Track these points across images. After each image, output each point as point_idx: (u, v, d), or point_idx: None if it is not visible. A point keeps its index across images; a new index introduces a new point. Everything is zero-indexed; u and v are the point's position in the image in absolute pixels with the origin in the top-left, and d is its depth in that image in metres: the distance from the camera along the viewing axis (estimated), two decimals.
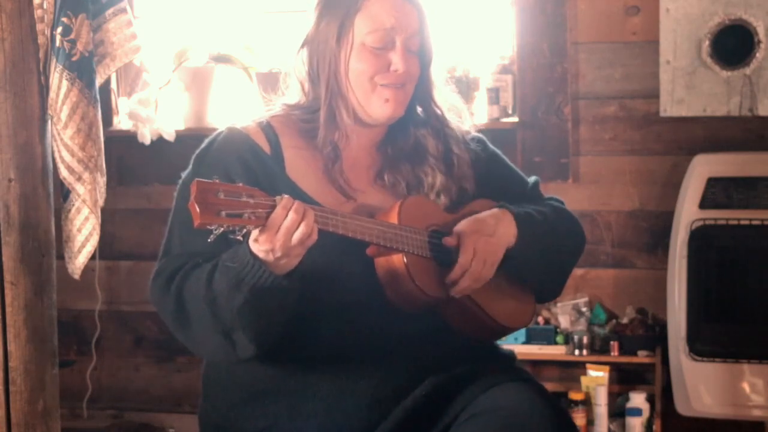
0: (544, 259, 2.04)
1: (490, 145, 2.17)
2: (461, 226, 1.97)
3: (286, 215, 1.71)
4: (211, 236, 1.66)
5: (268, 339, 1.83)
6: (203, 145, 1.99)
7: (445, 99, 2.09)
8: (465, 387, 1.91)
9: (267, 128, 1.99)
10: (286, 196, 1.73)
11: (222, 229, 1.64)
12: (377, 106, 1.97)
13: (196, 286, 1.83)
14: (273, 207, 1.70)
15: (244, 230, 1.68)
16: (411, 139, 2.05)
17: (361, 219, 1.85)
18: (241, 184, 1.68)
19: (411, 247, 1.88)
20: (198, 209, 1.61)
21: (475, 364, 1.98)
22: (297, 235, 1.72)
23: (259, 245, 1.73)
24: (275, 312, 1.80)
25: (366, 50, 1.95)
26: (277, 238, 1.71)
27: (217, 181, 1.66)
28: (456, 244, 1.94)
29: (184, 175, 1.98)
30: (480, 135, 2.16)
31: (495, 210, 2.01)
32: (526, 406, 1.84)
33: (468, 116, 2.14)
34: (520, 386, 1.90)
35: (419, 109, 2.08)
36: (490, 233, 1.96)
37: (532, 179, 2.20)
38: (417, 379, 1.92)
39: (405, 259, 1.87)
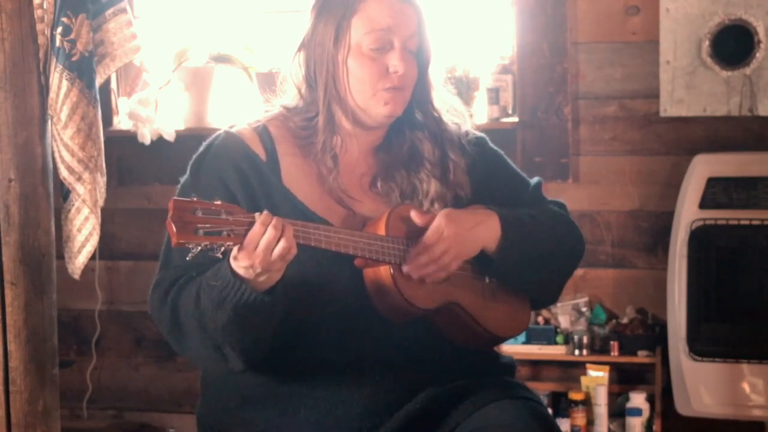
0: (534, 265, 1.99)
1: (491, 145, 2.13)
2: (439, 212, 1.92)
3: (264, 231, 1.69)
4: (190, 255, 1.65)
5: (257, 354, 1.82)
6: (200, 151, 1.97)
7: (444, 101, 2.06)
8: (460, 402, 1.90)
9: (263, 133, 1.97)
10: (265, 212, 1.71)
11: (200, 247, 1.63)
12: (376, 108, 1.95)
13: (188, 301, 1.82)
14: (252, 224, 1.68)
15: (223, 248, 1.67)
16: (407, 143, 2.02)
17: (346, 232, 1.82)
18: (219, 202, 1.67)
19: (398, 258, 1.86)
20: (174, 228, 1.60)
21: (471, 377, 1.96)
22: (277, 251, 1.69)
23: (238, 262, 1.71)
24: (260, 327, 1.79)
25: (364, 55, 1.93)
26: (256, 255, 1.69)
27: (195, 198, 1.64)
28: (425, 224, 1.89)
29: (182, 180, 1.96)
30: (481, 135, 2.12)
31: (481, 210, 1.97)
32: (519, 425, 1.82)
33: (467, 117, 2.11)
34: (515, 404, 1.89)
35: (417, 112, 2.04)
36: (467, 227, 1.92)
37: (534, 180, 2.15)
38: (411, 389, 1.91)
39: (392, 271, 1.85)
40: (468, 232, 1.91)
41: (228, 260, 1.73)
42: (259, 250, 1.68)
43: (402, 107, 1.97)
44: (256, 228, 1.68)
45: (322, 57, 1.95)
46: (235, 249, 1.69)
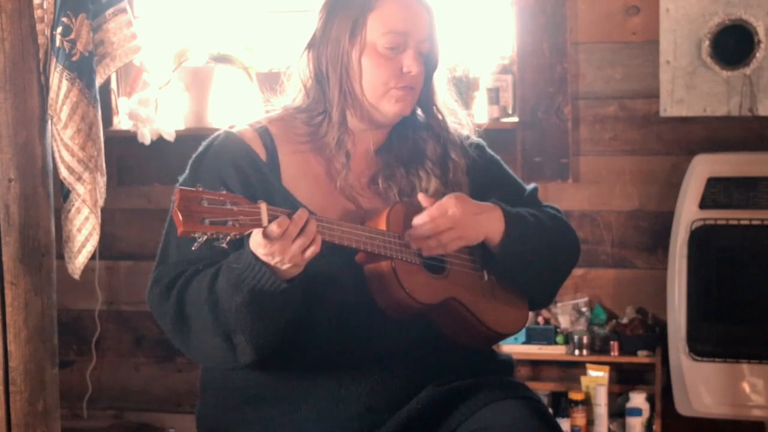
0: (534, 262, 2.01)
1: (489, 151, 2.16)
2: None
3: (288, 226, 1.71)
4: (195, 244, 1.66)
5: (267, 343, 1.82)
6: (200, 150, 1.98)
7: (447, 104, 2.08)
8: (462, 402, 1.91)
9: (264, 133, 1.98)
10: (301, 209, 1.73)
11: (206, 236, 1.64)
12: (387, 105, 1.96)
13: (198, 290, 1.82)
14: (257, 214, 1.69)
15: (228, 238, 1.68)
16: (409, 142, 2.04)
17: (348, 225, 1.83)
18: (224, 192, 1.68)
19: (399, 253, 1.87)
20: (181, 217, 1.61)
21: (472, 375, 1.97)
22: (298, 242, 1.72)
23: (260, 249, 1.73)
24: (274, 315, 1.79)
25: (379, 54, 1.94)
26: (277, 243, 1.71)
27: (201, 188, 1.66)
28: (430, 204, 1.92)
29: (181, 179, 1.97)
30: (479, 140, 2.14)
31: (487, 203, 2.00)
32: (521, 426, 1.83)
33: (468, 121, 2.13)
34: (517, 404, 1.90)
35: (420, 113, 2.07)
36: (473, 212, 1.95)
37: (530, 187, 2.18)
38: (411, 387, 1.91)
39: (393, 266, 1.86)
40: (473, 217, 1.94)
41: (249, 245, 1.74)
42: (283, 241, 1.70)
43: (411, 106, 2.00)
44: (282, 221, 1.70)
45: (336, 52, 1.96)
46: (258, 236, 1.71)
